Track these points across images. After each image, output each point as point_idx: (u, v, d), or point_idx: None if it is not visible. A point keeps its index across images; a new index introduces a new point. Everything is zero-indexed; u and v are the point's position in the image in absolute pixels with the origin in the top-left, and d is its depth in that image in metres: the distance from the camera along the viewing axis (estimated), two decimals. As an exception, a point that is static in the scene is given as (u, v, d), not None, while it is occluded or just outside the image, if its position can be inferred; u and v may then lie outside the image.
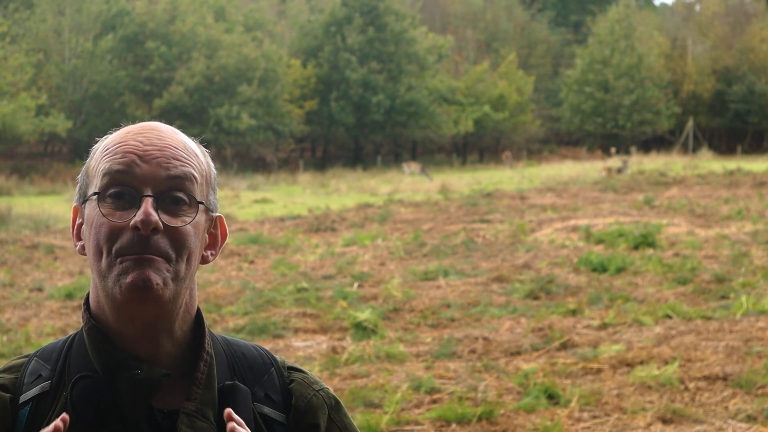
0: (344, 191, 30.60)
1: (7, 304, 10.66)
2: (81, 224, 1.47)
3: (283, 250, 15.42)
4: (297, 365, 1.59)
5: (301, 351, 8.22)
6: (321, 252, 15.05)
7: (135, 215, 1.37)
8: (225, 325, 9.21)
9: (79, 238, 1.48)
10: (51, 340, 1.53)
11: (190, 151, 1.46)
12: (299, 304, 10.33)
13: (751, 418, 6.16)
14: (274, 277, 12.38)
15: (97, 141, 1.50)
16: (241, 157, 45.81)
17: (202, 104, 43.26)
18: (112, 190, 1.40)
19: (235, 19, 47.88)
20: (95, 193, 1.41)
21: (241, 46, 44.15)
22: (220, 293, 11.01)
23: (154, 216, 1.37)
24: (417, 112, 49.11)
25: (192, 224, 1.42)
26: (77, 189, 1.49)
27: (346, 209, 22.47)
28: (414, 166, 38.76)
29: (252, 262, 14.14)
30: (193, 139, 1.52)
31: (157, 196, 1.39)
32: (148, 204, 1.37)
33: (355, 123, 48.46)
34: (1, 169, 35.18)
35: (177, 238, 1.39)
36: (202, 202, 1.44)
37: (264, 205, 25.13)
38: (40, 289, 11.57)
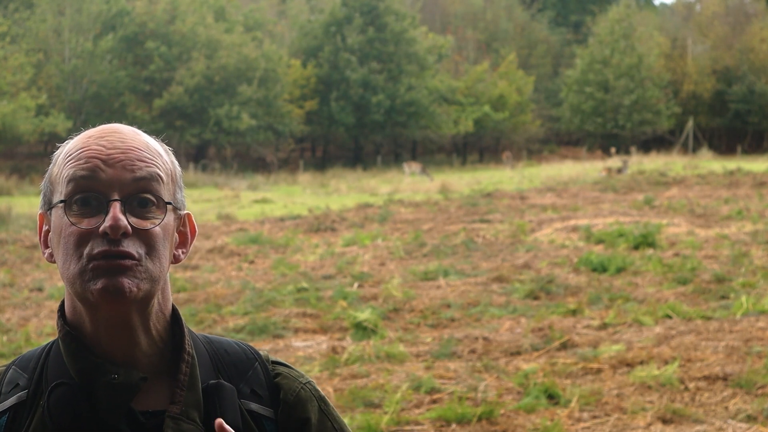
0: (344, 191, 30.59)
1: (7, 304, 10.66)
2: (48, 231, 1.45)
3: (283, 250, 15.42)
4: (280, 360, 1.58)
5: (301, 351, 8.22)
6: (321, 252, 15.05)
7: (103, 221, 1.36)
8: (225, 325, 9.21)
9: (46, 246, 1.46)
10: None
11: (154, 151, 1.45)
12: (299, 304, 10.33)
13: (751, 418, 6.16)
14: (274, 277, 12.38)
15: (59, 147, 1.49)
16: (241, 157, 45.83)
17: (202, 104, 43.25)
18: (78, 197, 1.39)
19: (235, 19, 47.89)
20: (61, 201, 1.40)
21: (241, 46, 44.15)
22: (220, 293, 11.00)
23: (123, 221, 1.36)
24: (417, 112, 49.11)
25: (161, 225, 1.41)
26: (41, 196, 1.47)
27: (346, 209, 22.47)
28: (415, 166, 38.79)
29: (252, 262, 14.14)
30: (155, 138, 1.50)
31: (124, 200, 1.38)
32: (116, 209, 1.36)
33: (355, 123, 48.46)
34: (1, 169, 35.18)
35: (146, 241, 1.38)
36: (170, 203, 1.43)
37: (264, 205, 25.13)
38: (40, 289, 11.58)
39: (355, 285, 11.52)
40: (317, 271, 12.96)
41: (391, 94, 48.48)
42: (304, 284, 11.49)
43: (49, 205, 1.44)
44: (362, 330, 8.82)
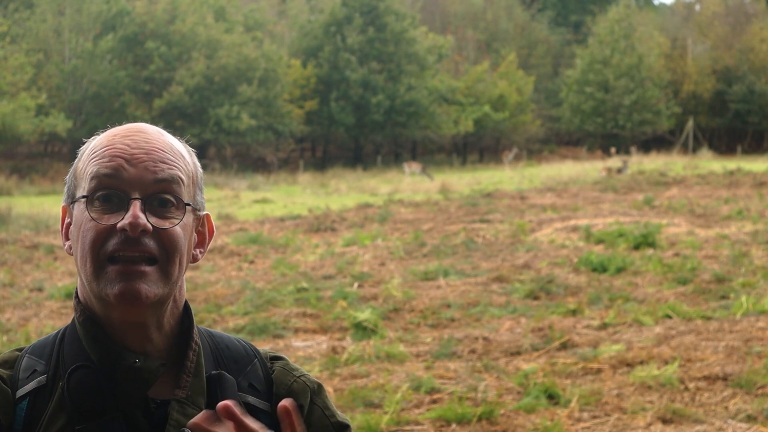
0: (344, 191, 30.59)
1: (7, 304, 10.66)
2: (69, 224, 1.49)
3: (283, 250, 15.42)
4: (279, 354, 1.62)
5: (301, 351, 8.22)
6: (321, 252, 15.05)
7: (123, 218, 1.39)
8: (225, 325, 9.21)
9: (67, 238, 1.50)
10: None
11: (177, 153, 1.48)
12: (299, 304, 10.33)
13: (751, 418, 6.16)
14: (274, 277, 12.38)
15: (85, 142, 1.52)
16: (241, 157, 45.81)
17: (202, 104, 43.24)
18: (99, 194, 1.42)
19: (235, 19, 47.87)
20: (84, 197, 1.43)
21: (241, 46, 44.14)
22: (220, 293, 11.00)
23: (143, 218, 1.39)
24: (417, 112, 49.10)
25: (180, 225, 1.44)
26: (65, 189, 1.51)
27: (346, 209, 22.47)
28: (415, 166, 38.80)
29: (252, 262, 14.14)
30: (179, 139, 1.54)
31: (145, 199, 1.41)
32: (136, 207, 1.39)
33: (355, 123, 48.46)
34: (1, 169, 35.17)
35: (166, 240, 1.42)
36: (189, 204, 1.46)
37: (264, 205, 25.13)
38: (40, 289, 11.57)
39: (355, 285, 11.52)
40: (317, 271, 12.96)
41: (391, 94, 48.47)
42: (304, 284, 11.49)
43: (72, 199, 1.48)
44: (362, 330, 8.82)
